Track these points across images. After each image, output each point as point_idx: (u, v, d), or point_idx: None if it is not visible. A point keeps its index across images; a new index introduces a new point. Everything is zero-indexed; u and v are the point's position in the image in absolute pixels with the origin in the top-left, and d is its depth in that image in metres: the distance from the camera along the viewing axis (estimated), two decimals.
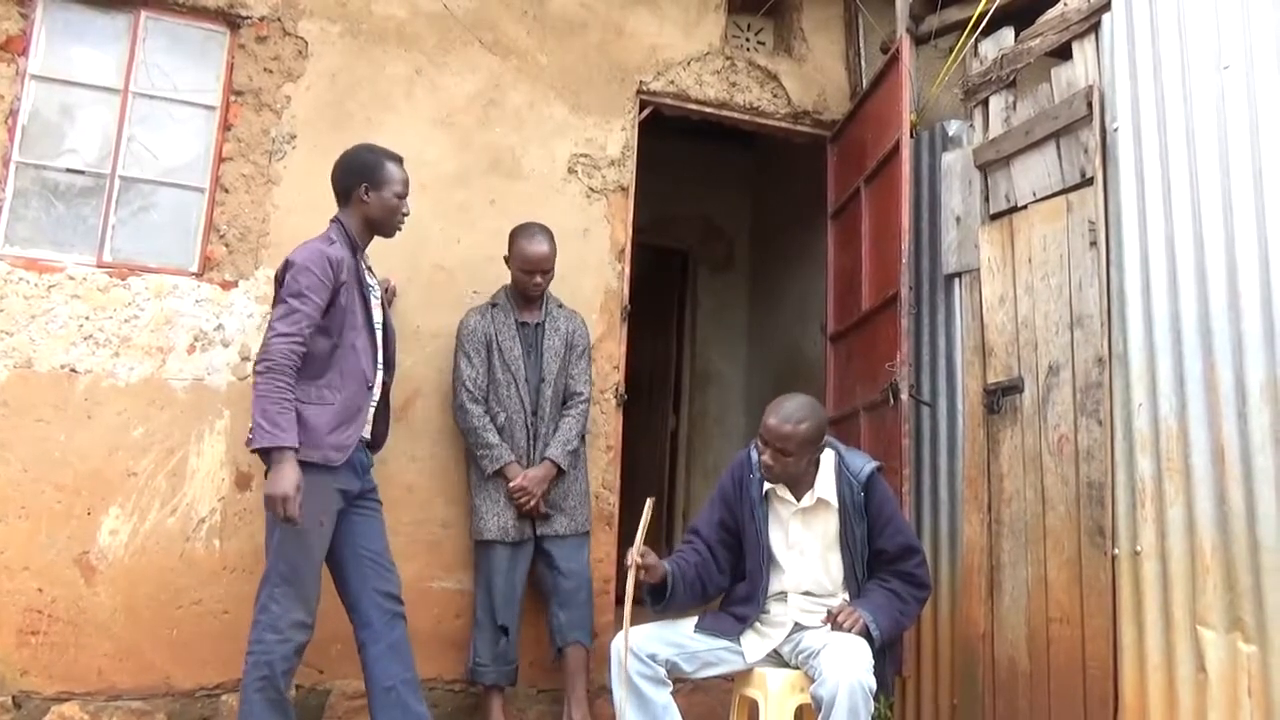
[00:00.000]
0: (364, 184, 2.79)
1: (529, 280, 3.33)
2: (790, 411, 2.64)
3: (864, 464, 2.72)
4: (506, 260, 3.39)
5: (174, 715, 3.04)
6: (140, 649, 3.04)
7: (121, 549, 3.06)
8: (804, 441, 2.63)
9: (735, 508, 2.79)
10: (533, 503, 3.22)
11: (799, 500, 2.72)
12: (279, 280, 2.70)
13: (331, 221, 2.83)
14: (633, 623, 2.54)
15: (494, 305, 3.41)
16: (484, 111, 3.67)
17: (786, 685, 2.62)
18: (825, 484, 2.71)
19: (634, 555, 2.56)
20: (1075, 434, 2.87)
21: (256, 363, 2.58)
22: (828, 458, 2.74)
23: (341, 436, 2.66)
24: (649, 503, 2.64)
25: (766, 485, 2.75)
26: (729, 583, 2.82)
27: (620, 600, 3.61)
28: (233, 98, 3.38)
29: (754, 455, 2.74)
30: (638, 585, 2.55)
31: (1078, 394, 2.87)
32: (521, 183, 3.68)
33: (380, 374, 2.85)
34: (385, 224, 2.85)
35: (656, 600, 2.68)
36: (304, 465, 2.58)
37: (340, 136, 3.41)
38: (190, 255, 3.32)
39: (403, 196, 2.85)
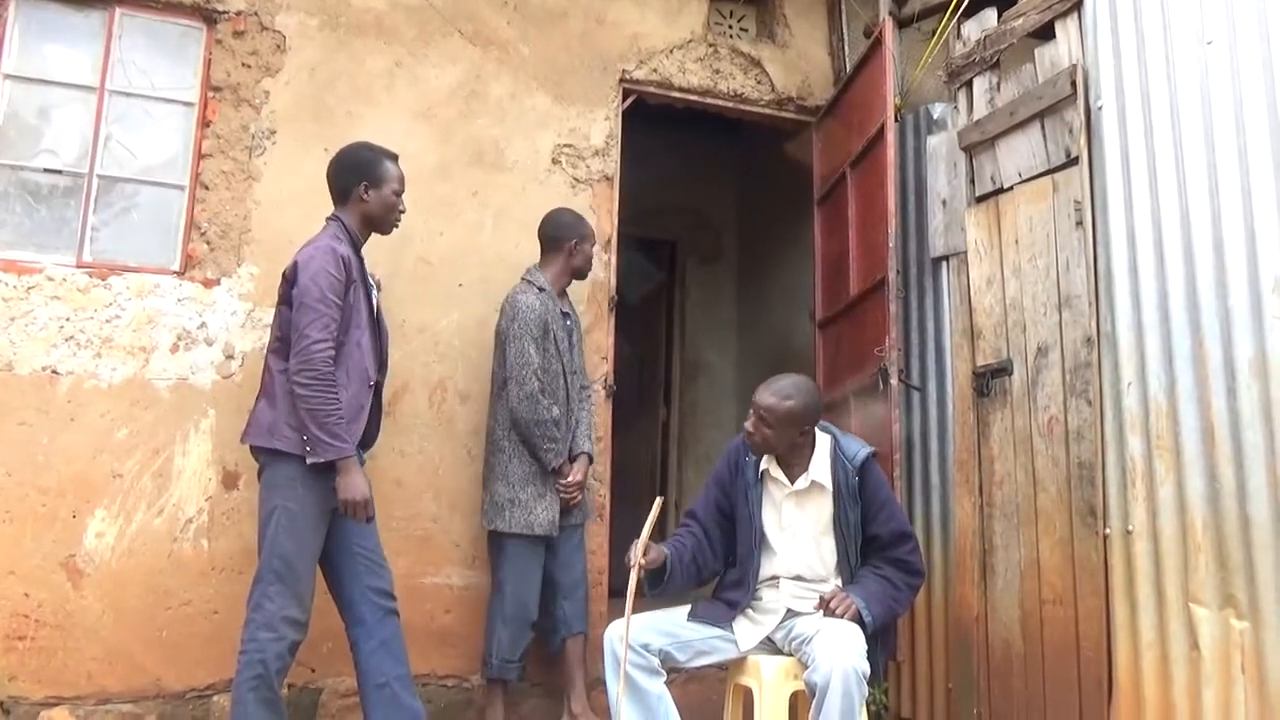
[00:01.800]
0: (363, 182, 2.78)
1: (595, 258, 3.43)
2: (780, 387, 2.68)
3: (859, 449, 2.73)
4: (572, 244, 3.33)
5: (165, 717, 3.02)
6: (129, 651, 3.02)
7: (108, 551, 3.03)
8: (786, 416, 2.64)
9: (730, 490, 2.80)
10: (580, 497, 3.24)
11: (793, 483, 2.72)
12: (288, 278, 2.67)
13: (330, 220, 2.81)
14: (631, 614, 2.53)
15: (541, 290, 3.28)
16: (465, 103, 3.64)
17: (780, 673, 2.61)
18: (820, 467, 2.71)
19: (636, 555, 2.56)
20: (1065, 415, 2.86)
21: (297, 371, 2.56)
22: (824, 442, 2.75)
23: (354, 428, 2.66)
24: (657, 502, 2.68)
25: (762, 467, 2.75)
26: (724, 567, 2.81)
27: (614, 593, 3.61)
28: (211, 94, 3.34)
29: None
30: (639, 584, 2.55)
31: (1067, 374, 2.87)
32: (505, 174, 3.66)
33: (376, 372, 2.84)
34: (384, 221, 2.86)
35: (654, 584, 2.68)
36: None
37: (320, 131, 3.39)
38: (172, 253, 3.29)
39: (400, 194, 2.86)
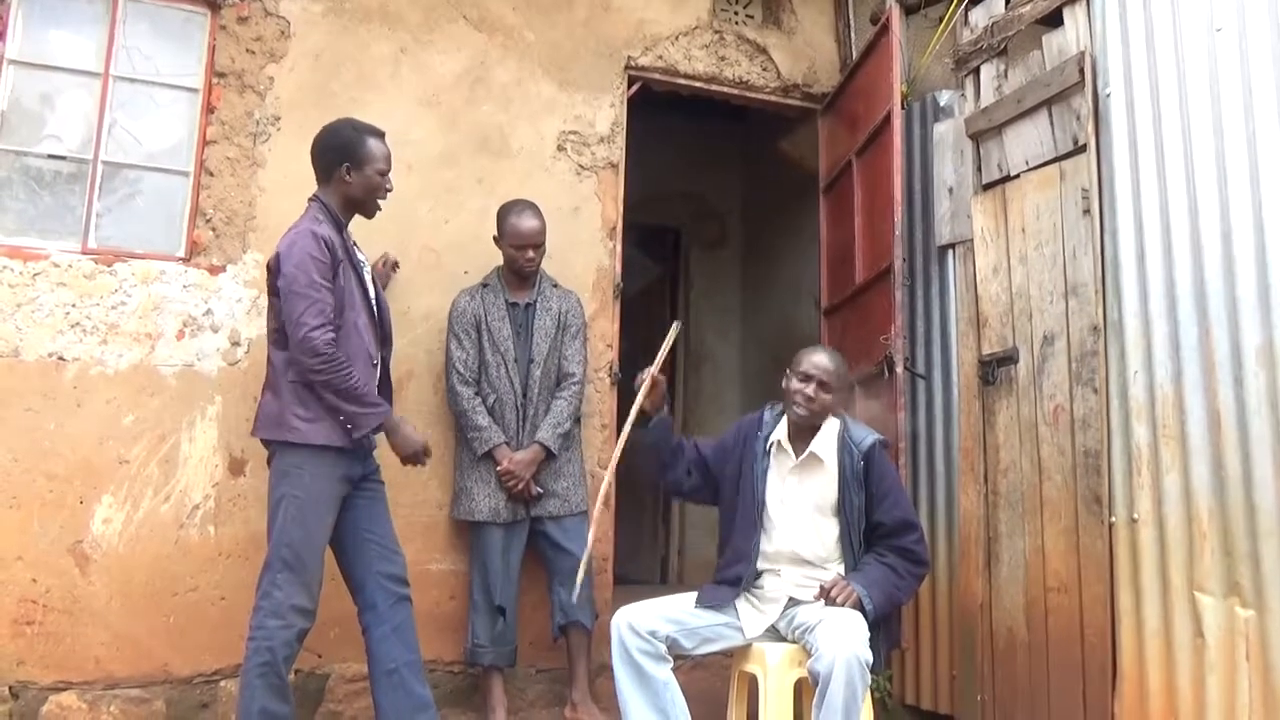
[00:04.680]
0: (345, 163, 2.71)
1: (521, 256, 3.30)
2: (833, 354, 2.85)
3: (866, 435, 2.77)
4: (497, 240, 3.36)
5: (172, 702, 3.04)
6: (137, 637, 3.03)
7: (115, 537, 3.04)
8: (841, 381, 2.79)
9: (728, 458, 2.84)
10: (521, 485, 3.21)
11: (797, 457, 2.76)
12: (273, 269, 2.64)
13: (311, 200, 2.76)
14: (632, 599, 2.55)
15: (485, 286, 3.38)
16: (470, 90, 3.63)
17: (785, 660, 2.62)
18: (823, 444, 2.76)
19: (653, 372, 2.67)
20: (1071, 403, 2.86)
21: (305, 362, 2.54)
22: (833, 424, 2.79)
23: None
24: (675, 326, 2.79)
25: (774, 438, 2.79)
26: (683, 486, 2.90)
27: (618, 580, 3.63)
28: (215, 80, 3.33)
29: (766, 415, 2.84)
30: (643, 410, 2.68)
31: (1073, 363, 2.86)
32: (510, 161, 3.65)
33: (379, 351, 2.84)
34: (367, 203, 2.79)
35: (645, 423, 2.77)
36: (320, 448, 2.59)
37: (325, 117, 3.32)
38: (177, 240, 3.28)
39: (385, 174, 2.77)
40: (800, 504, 2.74)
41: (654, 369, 2.69)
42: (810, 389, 2.71)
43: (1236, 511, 2.33)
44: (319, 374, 2.55)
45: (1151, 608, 2.52)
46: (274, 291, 2.67)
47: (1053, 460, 2.91)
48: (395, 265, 3.36)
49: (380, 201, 2.83)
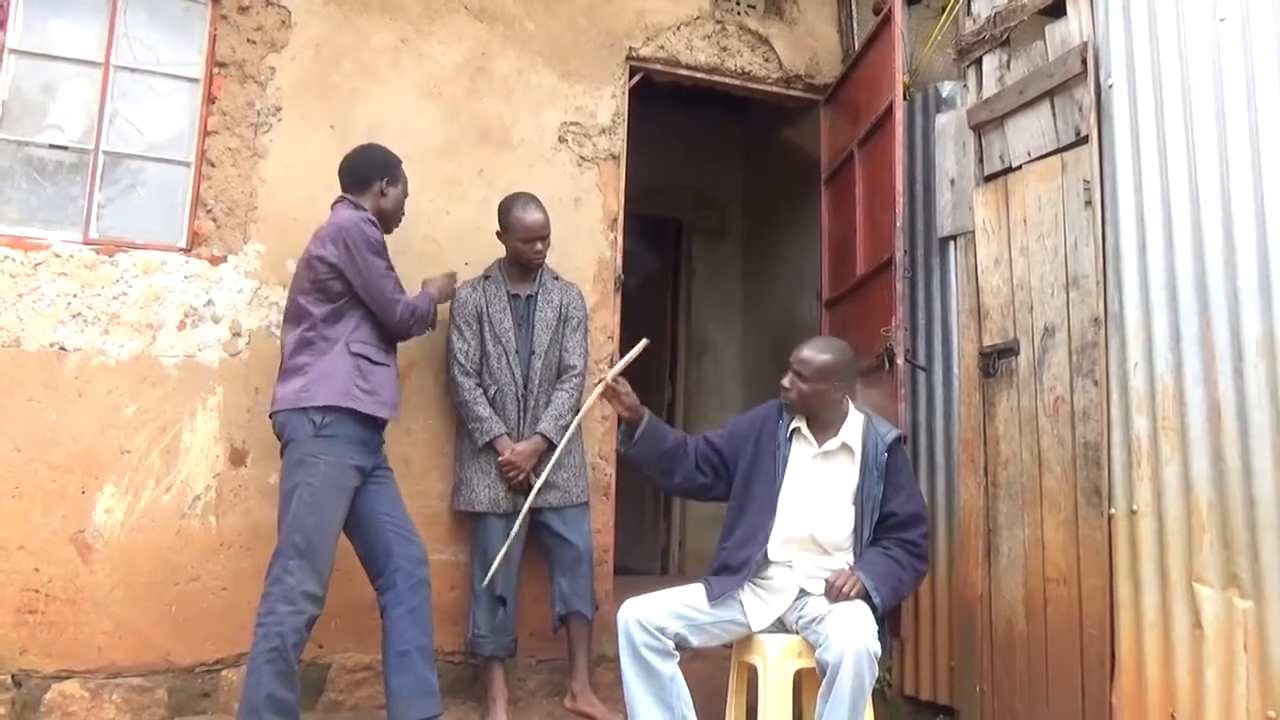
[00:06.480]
0: (385, 178, 2.97)
1: (529, 249, 3.30)
2: (819, 344, 2.86)
3: (890, 429, 2.85)
4: (500, 234, 3.35)
5: (174, 691, 3.05)
6: (139, 626, 3.05)
7: (117, 527, 3.05)
8: (820, 370, 2.76)
9: (744, 444, 2.85)
10: (521, 476, 3.21)
11: (821, 445, 2.80)
12: (339, 258, 2.76)
13: (338, 202, 2.93)
14: (632, 591, 2.55)
15: (486, 277, 3.38)
16: (471, 81, 3.62)
17: (784, 652, 2.63)
18: (852, 433, 2.81)
19: (609, 376, 2.73)
20: (1071, 395, 2.86)
21: (418, 325, 2.93)
22: (858, 416, 2.85)
23: (399, 394, 2.90)
24: (643, 343, 2.80)
25: (792, 426, 2.83)
26: (689, 487, 2.91)
27: (619, 571, 3.63)
28: (216, 70, 3.32)
29: (783, 405, 2.87)
30: (622, 419, 2.79)
31: (1073, 355, 2.86)
32: (511, 153, 3.64)
33: None
34: (393, 219, 3.04)
35: (628, 435, 2.79)
36: (365, 417, 2.74)
37: (326, 108, 3.39)
38: (178, 231, 3.28)
39: (405, 199, 3.07)
40: (822, 489, 2.76)
41: (613, 373, 2.75)
42: (787, 379, 2.81)
43: (1236, 503, 2.32)
44: (424, 325, 2.95)
45: (1150, 599, 2.52)
46: (336, 276, 2.77)
47: (1053, 452, 2.92)
48: None
49: (399, 222, 3.10)
